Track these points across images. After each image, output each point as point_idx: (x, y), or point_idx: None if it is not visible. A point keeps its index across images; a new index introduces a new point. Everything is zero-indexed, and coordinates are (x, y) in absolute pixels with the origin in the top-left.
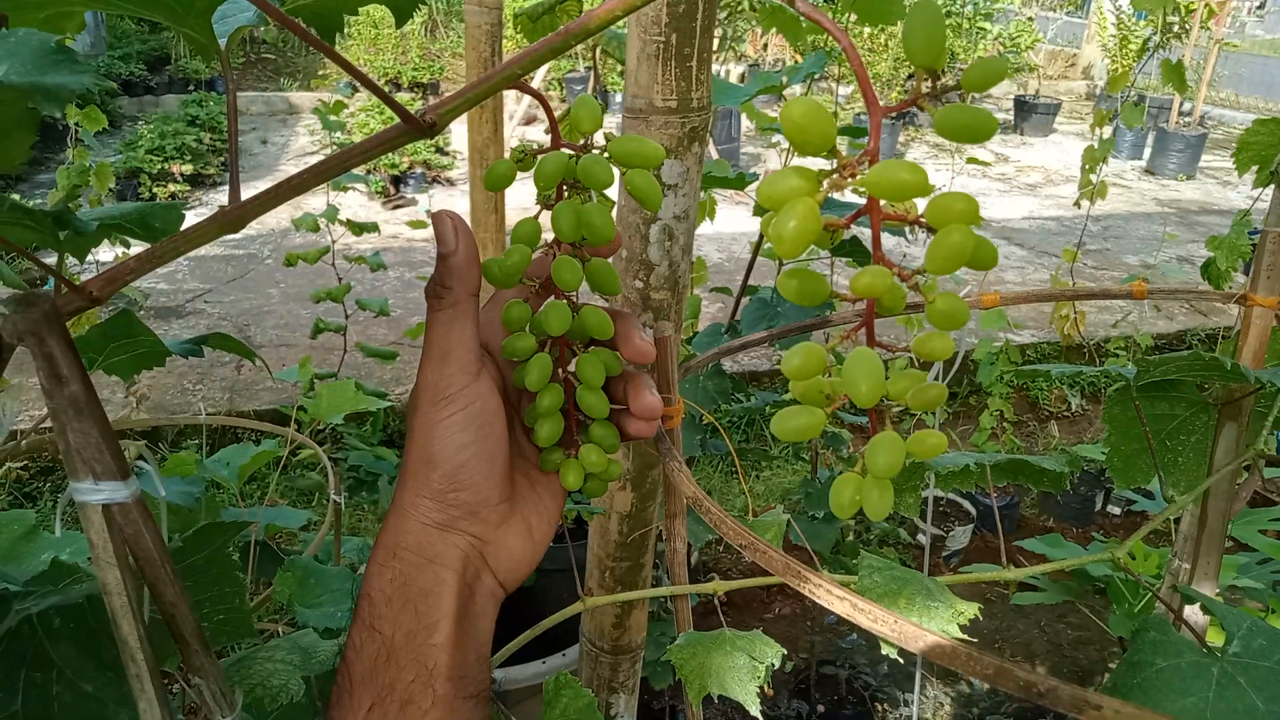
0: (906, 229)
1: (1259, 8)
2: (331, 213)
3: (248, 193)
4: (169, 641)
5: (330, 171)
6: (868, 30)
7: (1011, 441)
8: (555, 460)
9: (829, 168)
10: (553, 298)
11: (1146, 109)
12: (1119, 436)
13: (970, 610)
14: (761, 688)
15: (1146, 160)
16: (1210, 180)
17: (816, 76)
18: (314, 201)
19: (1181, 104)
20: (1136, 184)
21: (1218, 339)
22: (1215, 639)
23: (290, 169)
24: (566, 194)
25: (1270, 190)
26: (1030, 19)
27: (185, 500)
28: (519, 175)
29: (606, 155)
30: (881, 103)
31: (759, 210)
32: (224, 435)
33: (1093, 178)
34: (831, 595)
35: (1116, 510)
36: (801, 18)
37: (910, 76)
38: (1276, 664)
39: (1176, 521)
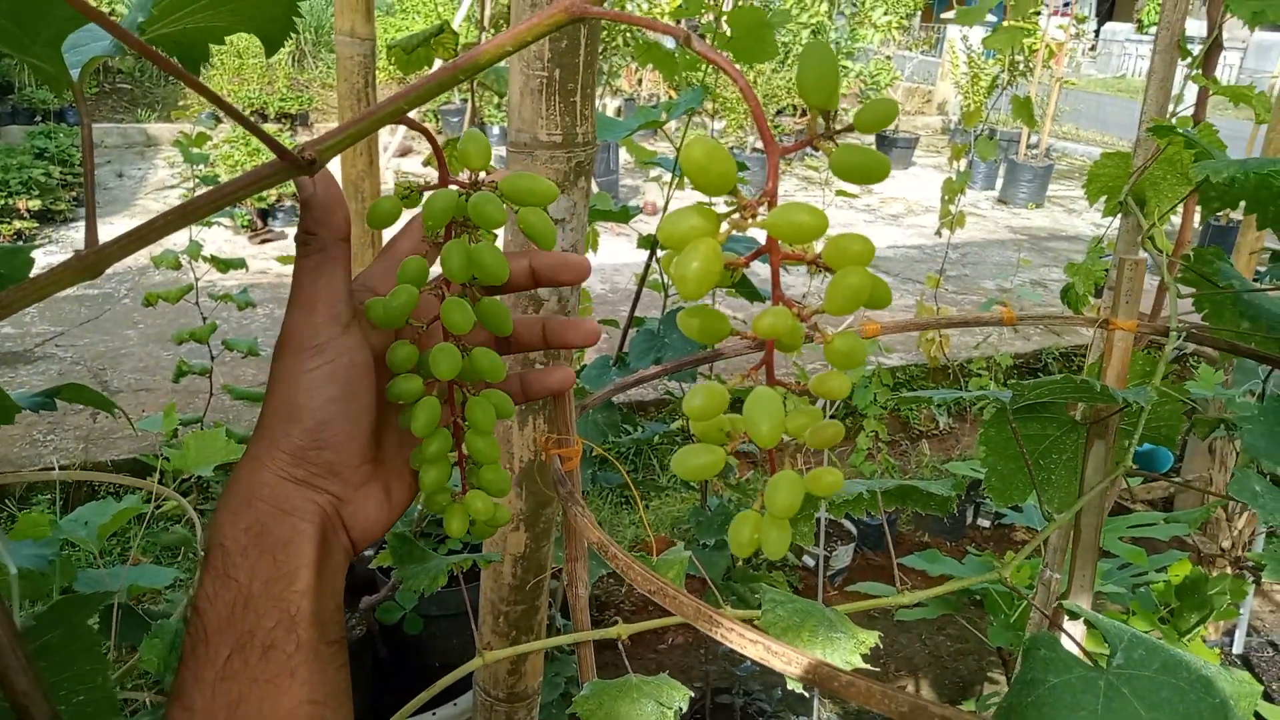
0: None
1: (1091, 49)
2: (195, 249)
3: (105, 229)
4: None
5: (199, 211)
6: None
7: (887, 460)
8: (440, 502)
9: (725, 207)
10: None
11: (998, 142)
12: (995, 457)
13: (871, 639)
14: None
15: (999, 190)
16: (1058, 208)
17: (694, 112)
18: (175, 237)
19: (1029, 137)
20: (991, 213)
21: (1069, 357)
22: (1091, 645)
23: (149, 203)
24: (455, 233)
25: (1119, 219)
26: (889, 58)
27: (37, 564)
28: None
29: (497, 192)
30: (759, 141)
31: (643, 242)
32: (79, 490)
33: (951, 208)
34: (745, 639)
35: (986, 523)
36: (675, 54)
37: (780, 112)
38: (1155, 672)
39: None
